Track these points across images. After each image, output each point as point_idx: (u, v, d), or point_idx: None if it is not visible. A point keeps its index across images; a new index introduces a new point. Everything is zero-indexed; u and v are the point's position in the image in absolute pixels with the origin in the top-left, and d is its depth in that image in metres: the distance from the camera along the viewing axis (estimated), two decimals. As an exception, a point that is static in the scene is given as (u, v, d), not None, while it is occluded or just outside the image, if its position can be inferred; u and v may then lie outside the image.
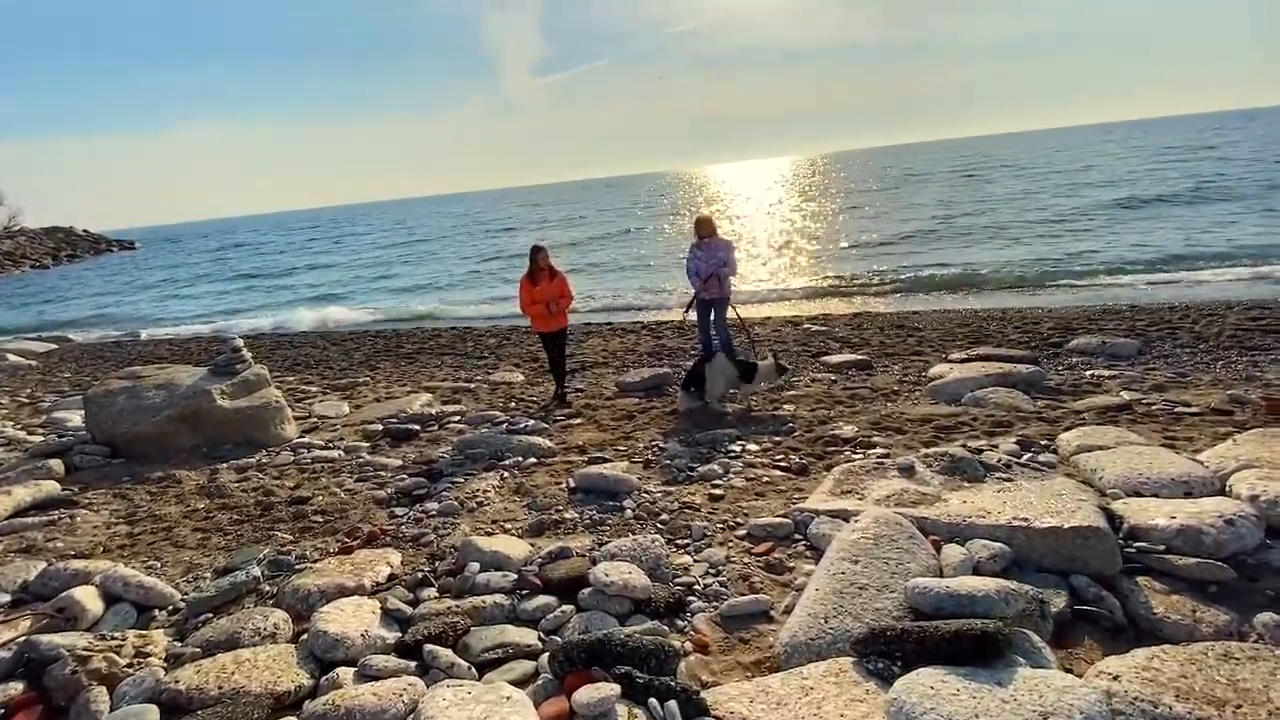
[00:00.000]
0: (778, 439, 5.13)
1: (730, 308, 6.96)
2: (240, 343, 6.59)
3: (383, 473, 5.08)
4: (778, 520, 3.60)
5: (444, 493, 4.55)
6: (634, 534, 3.61)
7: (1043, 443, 4.51)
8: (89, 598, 3.29)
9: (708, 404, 6.06)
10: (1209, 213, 18.60)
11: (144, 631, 3.08)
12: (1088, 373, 6.59)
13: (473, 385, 8.10)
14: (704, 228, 6.85)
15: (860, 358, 7.79)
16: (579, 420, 6.18)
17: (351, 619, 2.89)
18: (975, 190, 31.21)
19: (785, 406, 6.08)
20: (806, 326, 10.21)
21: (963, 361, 7.13)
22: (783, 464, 4.59)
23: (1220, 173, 27.79)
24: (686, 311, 7.11)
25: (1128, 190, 24.70)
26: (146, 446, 6.03)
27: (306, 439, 6.27)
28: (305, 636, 2.85)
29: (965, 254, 16.42)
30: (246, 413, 6.18)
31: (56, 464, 5.68)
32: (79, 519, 4.67)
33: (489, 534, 3.80)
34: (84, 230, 70.52)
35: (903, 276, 14.60)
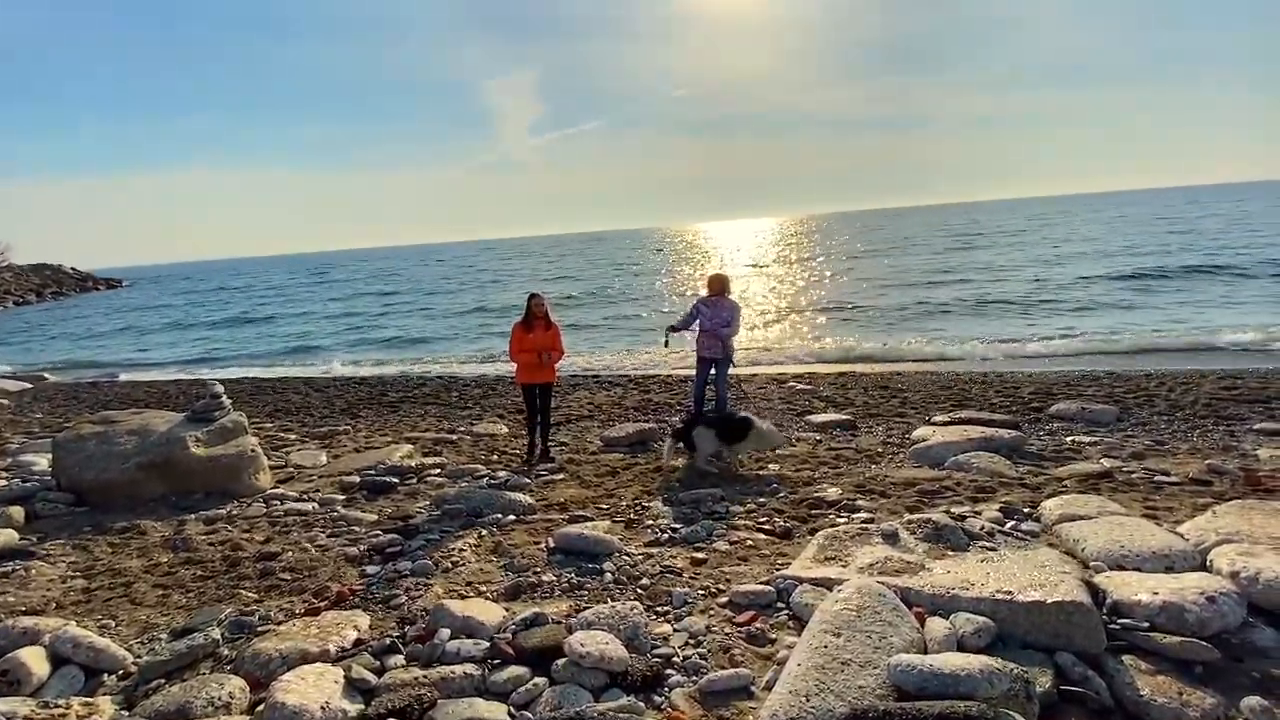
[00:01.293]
0: (762, 500, 5.08)
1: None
2: (220, 388, 6.50)
3: (357, 528, 4.94)
4: (760, 588, 3.53)
5: (419, 551, 4.42)
6: (613, 599, 3.51)
7: (1026, 510, 4.50)
8: (35, 660, 3.11)
9: (694, 461, 6.02)
10: (1185, 286, 19.21)
11: (90, 699, 2.91)
12: (1068, 439, 6.65)
13: (455, 437, 7.99)
14: (716, 284, 6.97)
15: (845, 418, 7.82)
16: (561, 476, 6.10)
17: (312, 689, 2.75)
18: (962, 257, 32.04)
19: (770, 466, 6.05)
20: (792, 384, 10.27)
21: (946, 424, 7.17)
22: (767, 527, 4.53)
23: (1194, 246, 28.88)
24: (669, 335, 7.18)
25: (1110, 261, 25.55)
26: (113, 495, 5.84)
27: (281, 490, 6.12)
28: (262, 708, 2.70)
29: (949, 319, 16.74)
30: (220, 461, 6.03)
31: (16, 511, 5.47)
32: (34, 571, 4.46)
33: (463, 596, 3.67)
34: (72, 268, 70.30)
35: (888, 339, 14.82)
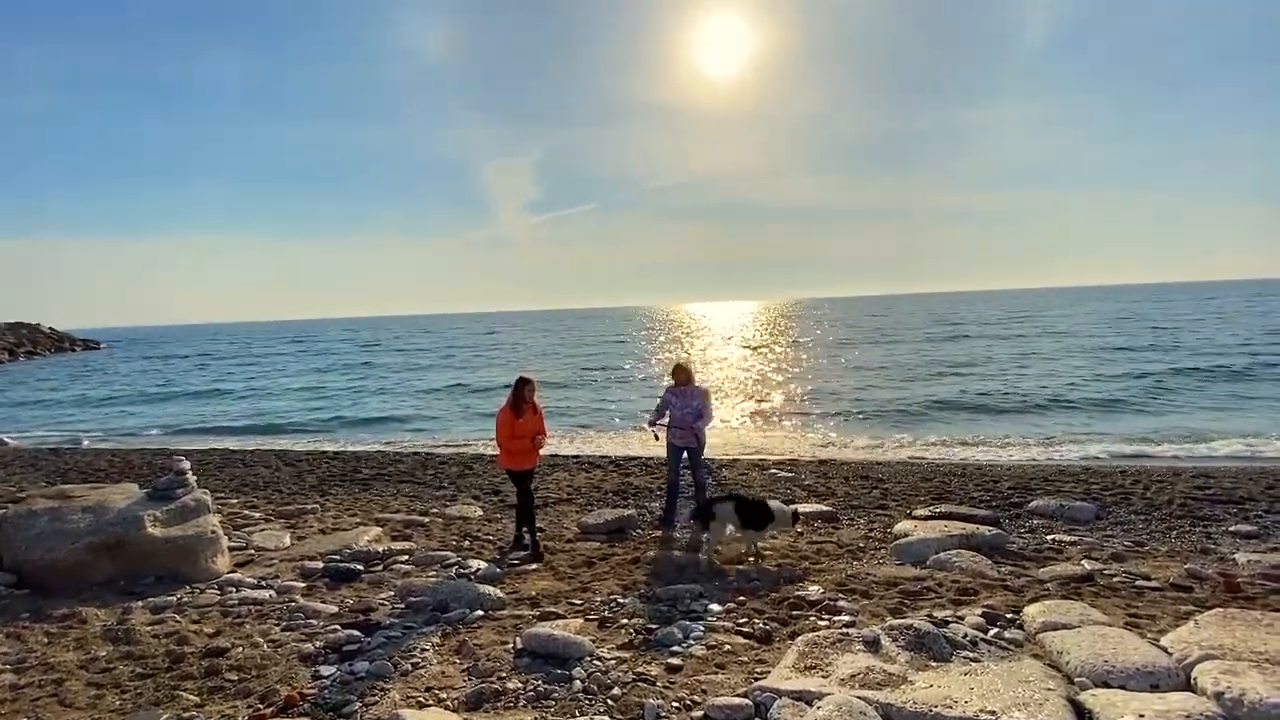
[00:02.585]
0: (742, 598, 4.92)
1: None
2: (187, 465, 6.30)
3: (314, 621, 4.68)
4: (738, 701, 3.36)
5: (378, 650, 4.17)
6: (581, 712, 3.31)
7: (1008, 616, 4.40)
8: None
9: (701, 547, 5.89)
10: (1172, 385, 19.72)
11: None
12: (1049, 537, 6.61)
13: (427, 519, 7.74)
14: (680, 374, 6.96)
15: (826, 508, 7.73)
16: (534, 566, 5.89)
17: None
18: (950, 349, 32.74)
19: (750, 559, 5.91)
20: (774, 471, 10.21)
21: (927, 519, 7.11)
22: (746, 629, 4.37)
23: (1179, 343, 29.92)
24: (654, 431, 7.07)
25: (1095, 357, 26.31)
26: (59, 577, 5.51)
27: (238, 574, 5.81)
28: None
29: (938, 415, 16.91)
30: (177, 543, 5.75)
31: (-51, 594, 5.12)
32: (-43, 665, 4.13)
33: (421, 705, 3.45)
34: (49, 328, 69.39)
35: (871, 429, 14.90)
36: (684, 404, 6.79)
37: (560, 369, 31.52)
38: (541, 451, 6.65)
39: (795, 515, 6.06)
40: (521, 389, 6.30)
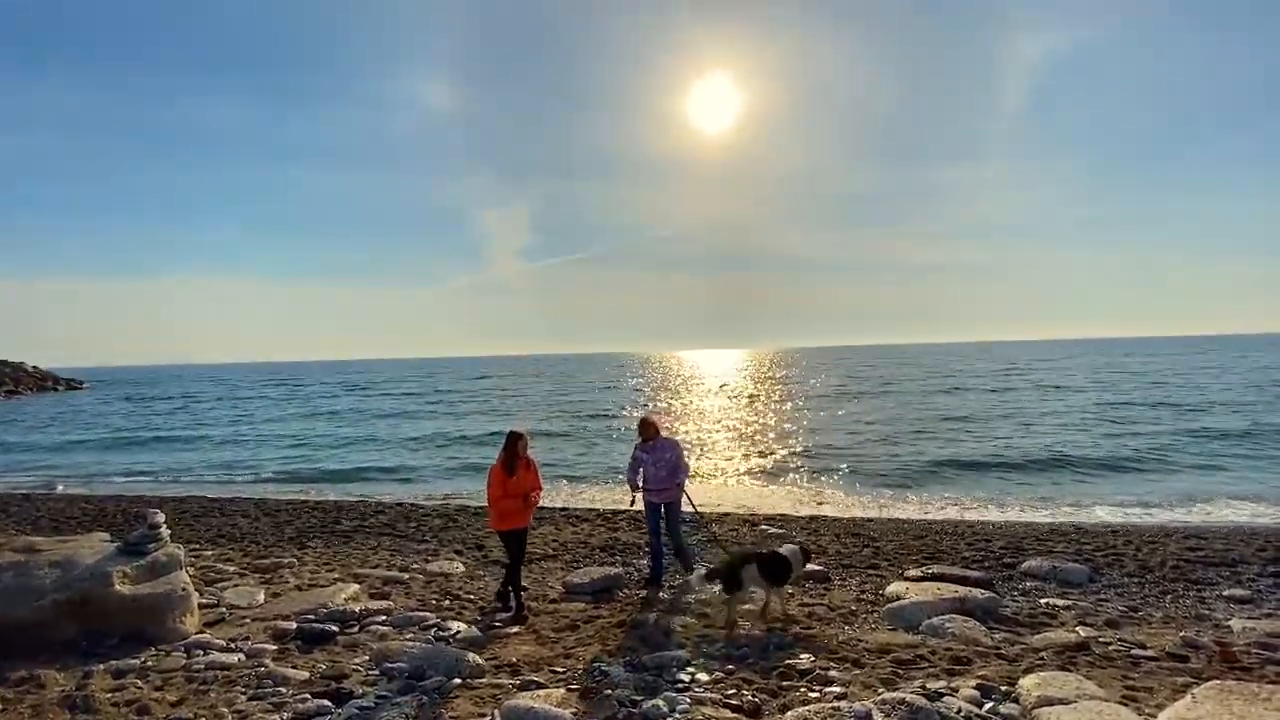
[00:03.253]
0: (731, 667, 4.76)
1: (687, 498, 6.83)
2: (161, 519, 6.11)
3: (283, 689, 4.46)
4: (723, 782, 3.20)
5: (349, 722, 3.98)
6: (560, 794, 3.14)
7: (1003, 689, 4.28)
8: None
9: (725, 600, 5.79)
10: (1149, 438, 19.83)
11: None
12: (1042, 600, 6.51)
13: (407, 576, 7.52)
14: (649, 430, 6.77)
15: (818, 568, 7.58)
16: (516, 629, 5.69)
17: None
18: (944, 401, 32.84)
19: (742, 623, 5.74)
20: (764, 528, 10.06)
21: (919, 580, 7.00)
22: (734, 701, 4.21)
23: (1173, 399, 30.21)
24: (635, 488, 6.87)
25: (1085, 413, 26.46)
26: (20, 636, 5.26)
27: (207, 635, 5.58)
28: None
29: (927, 468, 16.84)
30: (145, 601, 5.54)
31: (-102, 656, 4.86)
32: (-102, 736, 3.89)
33: (392, 785, 3.26)
34: (33, 367, 68.51)
35: (858, 481, 14.81)
36: (656, 459, 6.64)
37: (549, 416, 31.32)
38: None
39: (806, 553, 6.00)
40: (514, 444, 6.00)
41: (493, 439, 22.50)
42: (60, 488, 16.83)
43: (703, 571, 6.36)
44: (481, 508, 12.05)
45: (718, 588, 5.94)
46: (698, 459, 18.17)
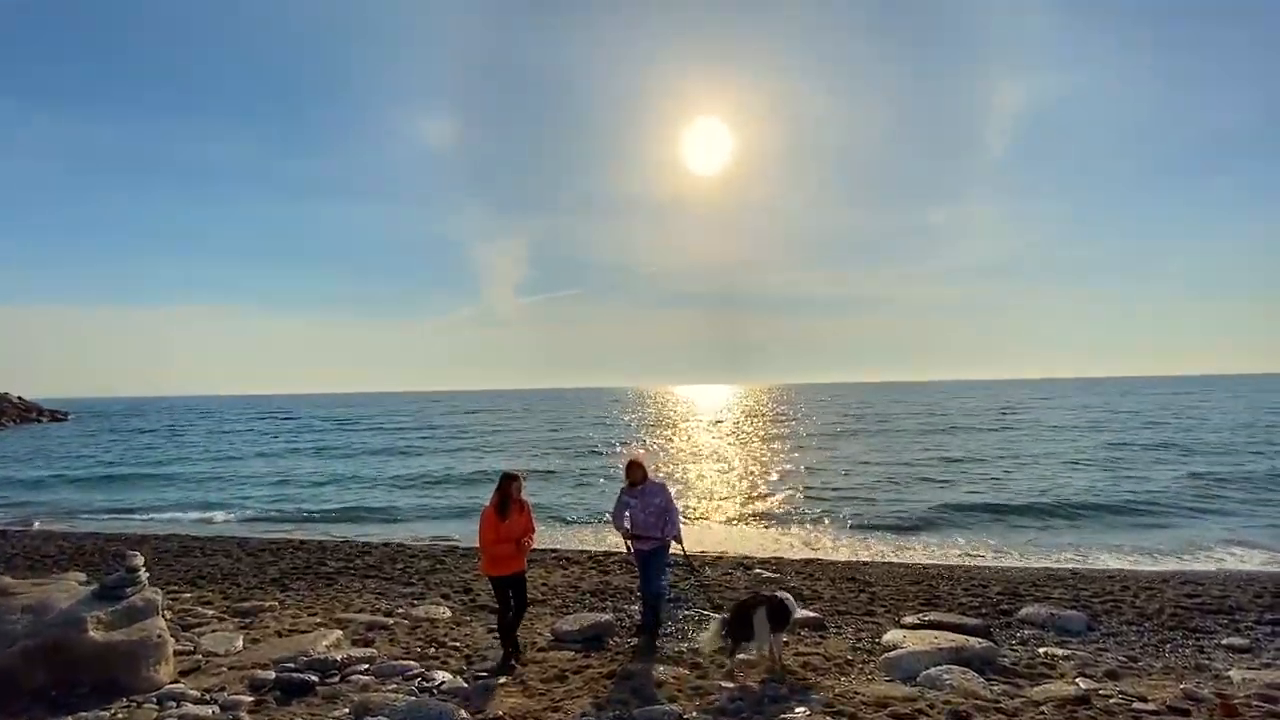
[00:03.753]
0: (722, 721, 4.62)
1: (679, 546, 6.55)
2: (140, 561, 5.94)
3: (260, 745, 4.29)
4: None
5: (327, 781, 3.81)
6: None
7: (1004, 747, 4.16)
8: None
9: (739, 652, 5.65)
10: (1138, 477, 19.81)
11: None
12: (1041, 650, 6.39)
13: (392, 621, 7.31)
14: (636, 472, 6.43)
15: (813, 615, 7.44)
16: (503, 680, 5.52)
17: None
18: (941, 441, 32.68)
19: (736, 674, 5.59)
20: (758, 572, 9.89)
21: (915, 627, 6.87)
22: (726, 759, 4.06)
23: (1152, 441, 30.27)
24: (625, 534, 6.53)
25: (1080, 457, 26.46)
26: (-17, 686, 5.05)
27: (182, 685, 5.38)
28: None
29: (923, 511, 16.71)
30: (119, 649, 5.34)
31: None
32: None
33: None
34: (18, 397, 67.49)
35: (854, 524, 14.64)
36: (644, 504, 6.30)
37: (541, 453, 31.03)
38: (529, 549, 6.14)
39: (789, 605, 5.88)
40: (507, 486, 5.80)
41: (482, 477, 22.23)
42: (37, 524, 16.41)
43: (714, 626, 6.04)
44: (470, 549, 11.82)
45: (720, 632, 5.82)
46: (689, 499, 17.97)
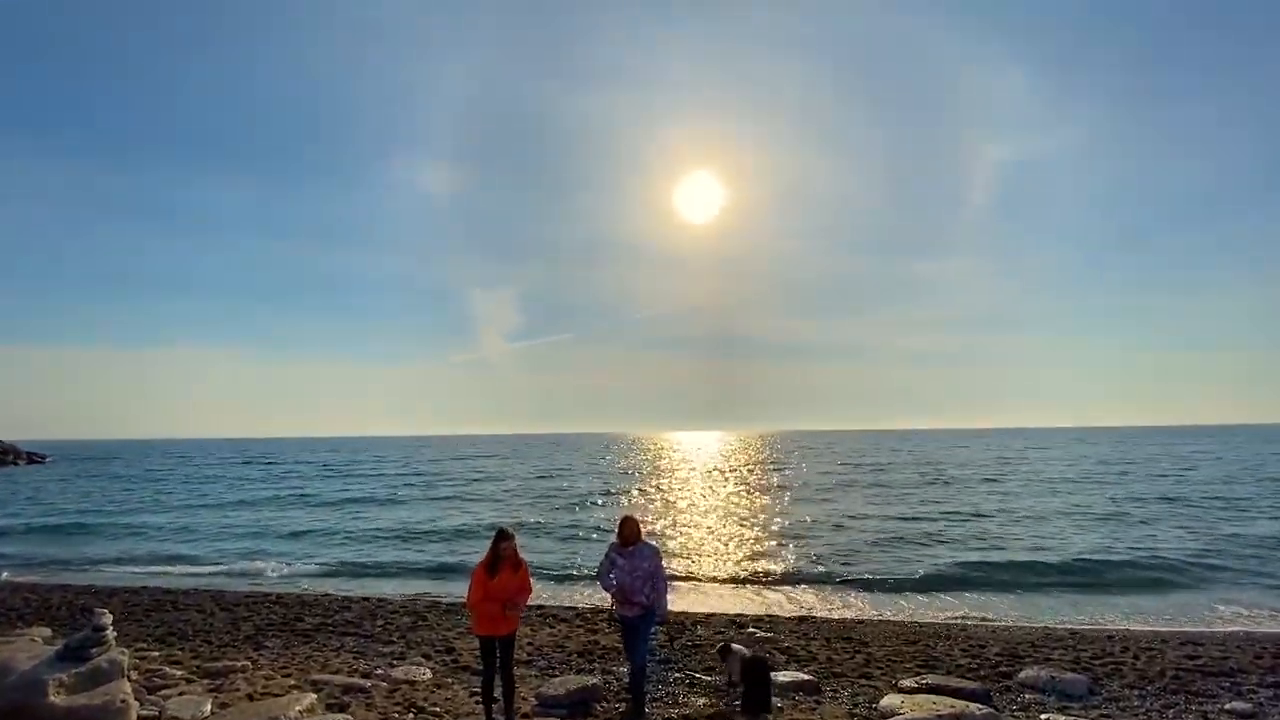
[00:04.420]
0: (714, 797, 4.39)
1: (659, 617, 6.16)
2: (107, 620, 5.71)
3: (222, 824, 4.02)
4: None
5: None
6: None
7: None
8: None
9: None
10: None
11: None
12: (1042, 716, 6.19)
13: (369, 683, 7.00)
14: (628, 531, 6.10)
15: (807, 677, 7.20)
16: (485, 749, 5.26)
17: None
18: (938, 495, 32.36)
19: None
20: (752, 630, 9.61)
21: (914, 691, 6.66)
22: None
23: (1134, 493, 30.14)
24: (609, 590, 6.20)
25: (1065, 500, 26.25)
26: (-73, 756, 4.76)
27: (143, 755, 5.08)
28: None
29: (919, 567, 16.45)
30: (81, 714, 5.07)
31: None
32: None
33: None
34: (-3, 440, 66.16)
35: (849, 580, 14.35)
36: (632, 566, 5.96)
37: (528, 502, 30.50)
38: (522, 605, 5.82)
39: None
40: (498, 545, 5.60)
41: (467, 531, 21.72)
42: (4, 575, 15.81)
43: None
44: (453, 604, 11.46)
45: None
46: (680, 554, 17.58)
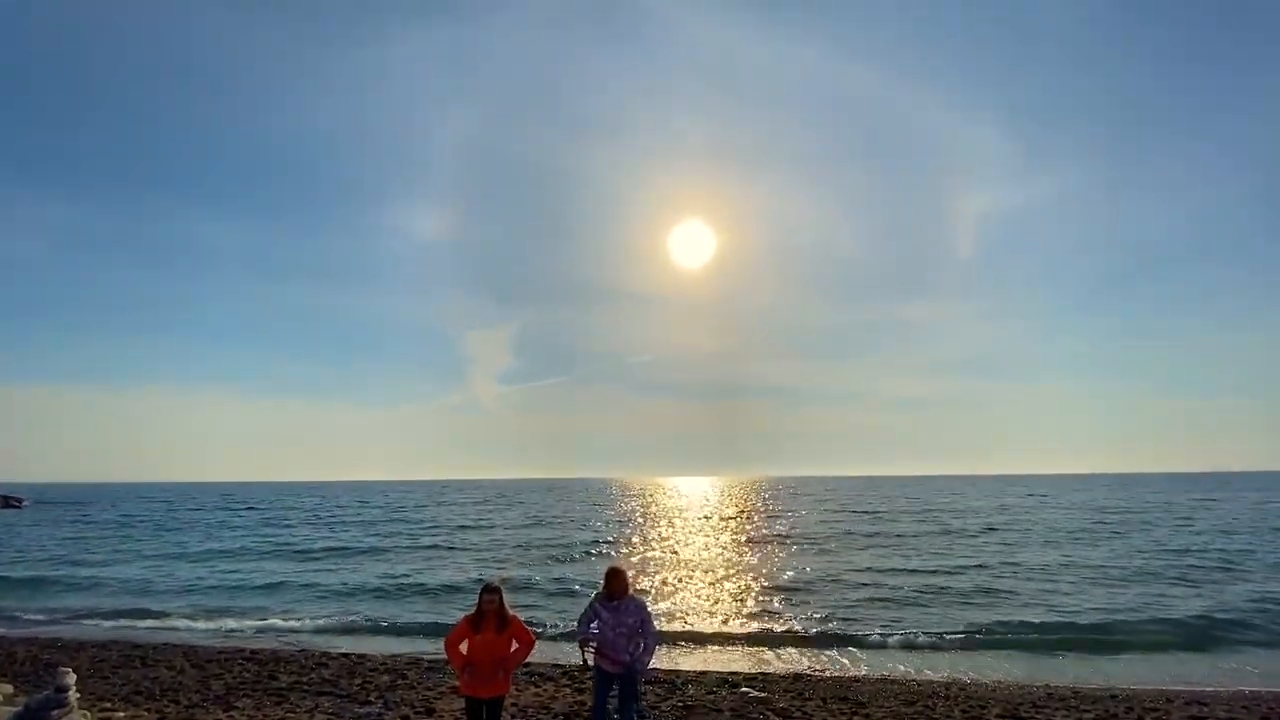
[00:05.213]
0: None
1: (639, 676, 5.83)
2: (70, 680, 5.44)
3: None
4: None
5: None
6: None
7: None
8: None
9: None
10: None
11: None
12: (1048, 785, 5.93)
13: (345, 749, 6.65)
14: (616, 583, 5.82)
15: (802, 742, 6.90)
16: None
17: None
18: (930, 545, 31.83)
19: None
20: (745, 690, 9.26)
21: (913, 758, 6.38)
22: None
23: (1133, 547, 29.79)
24: (584, 654, 5.99)
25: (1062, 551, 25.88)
26: None
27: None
28: None
29: (919, 620, 16.08)
30: (30, 786, 4.77)
31: None
32: None
33: None
34: (-31, 483, 64.49)
35: (844, 634, 13.96)
36: (617, 621, 5.69)
37: (517, 551, 29.78)
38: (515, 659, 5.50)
39: None
40: (480, 599, 5.38)
41: (452, 585, 21.09)
42: (-33, 627, 15.13)
43: None
44: (434, 662, 11.00)
45: None
46: (672, 609, 17.08)
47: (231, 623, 16.40)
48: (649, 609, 5.98)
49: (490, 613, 5.34)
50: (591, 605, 5.97)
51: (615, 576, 5.90)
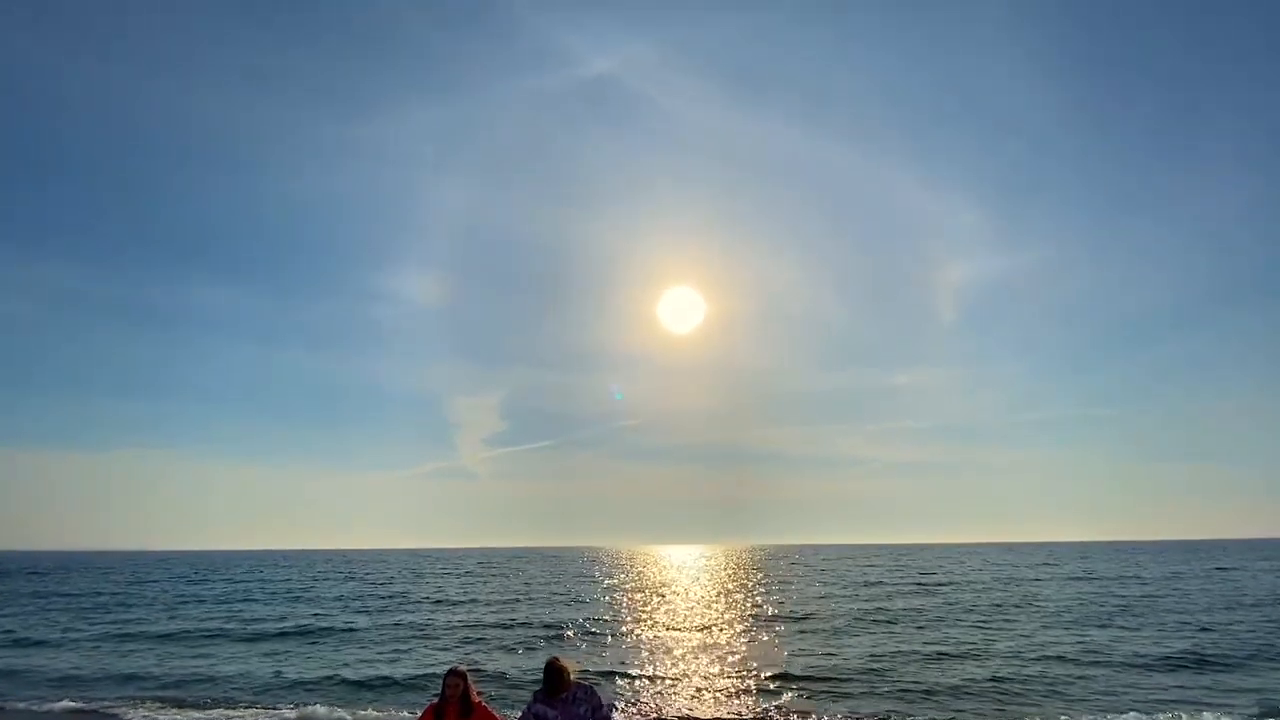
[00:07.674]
0: None
1: None
2: None
3: None
4: None
5: None
6: None
7: None
8: None
9: None
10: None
11: None
12: None
13: None
14: (556, 679, 5.18)
15: None
16: None
17: None
18: (931, 629, 30.15)
19: None
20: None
21: None
22: None
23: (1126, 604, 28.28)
24: None
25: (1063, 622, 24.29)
26: None
27: None
28: None
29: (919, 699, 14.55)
30: None
31: None
32: None
33: None
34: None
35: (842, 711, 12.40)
36: (567, 716, 5.13)
37: (495, 633, 27.65)
38: None
39: None
40: (445, 683, 5.26)
41: (429, 674, 19.16)
42: None
43: None
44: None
45: None
46: (657, 694, 15.35)
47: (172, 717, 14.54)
48: (600, 695, 5.31)
49: (454, 698, 5.17)
50: (530, 709, 5.31)
51: (553, 671, 5.29)
